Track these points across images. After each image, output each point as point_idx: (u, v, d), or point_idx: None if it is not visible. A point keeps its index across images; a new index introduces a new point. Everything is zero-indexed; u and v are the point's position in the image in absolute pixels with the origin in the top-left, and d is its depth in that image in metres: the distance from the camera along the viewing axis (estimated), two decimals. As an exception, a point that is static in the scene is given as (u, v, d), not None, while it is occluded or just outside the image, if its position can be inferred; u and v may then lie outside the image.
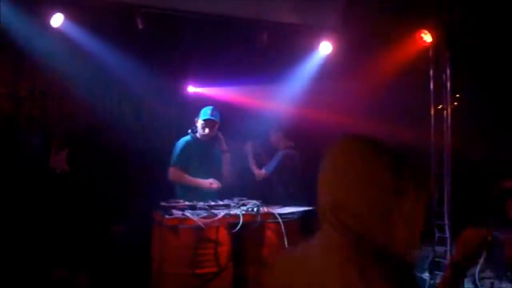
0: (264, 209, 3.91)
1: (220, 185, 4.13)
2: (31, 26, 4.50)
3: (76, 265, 4.30)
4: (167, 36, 5.30)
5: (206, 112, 4.19)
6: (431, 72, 5.21)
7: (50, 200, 4.71)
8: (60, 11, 4.64)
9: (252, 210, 3.84)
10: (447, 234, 4.93)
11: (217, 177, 4.23)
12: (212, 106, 4.27)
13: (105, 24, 4.88)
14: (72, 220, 4.76)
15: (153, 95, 5.46)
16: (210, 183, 4.11)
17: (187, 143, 4.25)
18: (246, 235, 3.86)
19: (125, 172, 5.15)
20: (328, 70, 5.59)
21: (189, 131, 4.33)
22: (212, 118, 4.17)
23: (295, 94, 5.59)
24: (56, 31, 4.69)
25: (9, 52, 4.80)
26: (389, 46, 5.29)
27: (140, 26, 4.86)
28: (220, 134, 4.34)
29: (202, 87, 5.75)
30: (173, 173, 4.18)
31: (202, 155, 4.23)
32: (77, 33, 4.79)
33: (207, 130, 4.19)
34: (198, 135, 4.29)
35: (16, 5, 4.22)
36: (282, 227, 3.79)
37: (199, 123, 4.22)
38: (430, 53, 5.20)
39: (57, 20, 4.65)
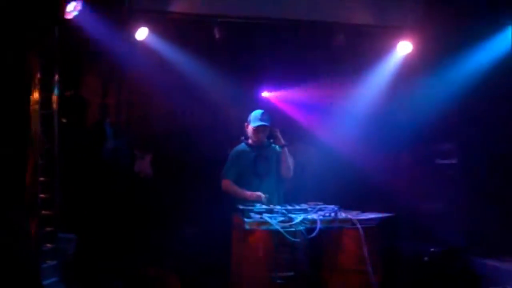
0: (342, 215, 3.83)
1: (266, 197, 4.00)
2: (119, 40, 4.85)
3: (164, 264, 4.52)
4: (243, 43, 5.43)
5: (256, 117, 4.15)
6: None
7: (137, 203, 5.02)
8: (145, 25, 4.94)
9: (330, 215, 3.78)
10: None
11: (276, 179, 4.19)
12: (262, 110, 4.22)
13: (185, 35, 5.13)
14: (155, 222, 5.04)
15: (229, 101, 5.61)
16: (257, 196, 4.01)
17: (240, 152, 4.22)
18: (324, 240, 3.81)
19: (202, 176, 5.32)
20: (408, 70, 5.38)
21: (242, 138, 4.30)
22: (263, 123, 4.11)
23: (374, 95, 5.45)
24: (141, 44, 5.02)
25: (101, 65, 5.23)
26: (475, 44, 4.96)
27: (217, 35, 5.04)
28: (277, 130, 4.25)
29: (277, 91, 5.80)
30: (224, 185, 4.20)
31: (256, 161, 4.16)
32: (160, 45, 5.09)
33: (259, 136, 4.16)
34: (250, 140, 4.26)
35: (104, 21, 4.57)
36: (361, 233, 3.69)
37: (250, 129, 4.19)
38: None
39: (142, 33, 4.96)
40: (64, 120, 4.31)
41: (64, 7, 4.21)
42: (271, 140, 4.24)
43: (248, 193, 4.07)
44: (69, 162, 4.32)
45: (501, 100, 4.90)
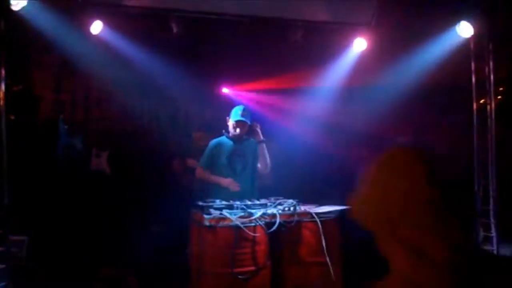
0: (301, 208, 3.88)
1: (238, 187, 4.08)
2: (73, 34, 4.68)
3: (120, 264, 4.42)
4: (201, 39, 5.38)
5: (237, 113, 4.19)
6: (472, 66, 5.01)
7: (92, 201, 4.87)
8: (99, 19, 4.79)
9: (289, 209, 3.82)
10: (493, 233, 4.73)
11: (251, 174, 4.23)
12: (244, 106, 4.27)
13: (141, 30, 5.02)
14: (113, 220, 4.91)
15: (188, 97, 5.54)
16: (230, 182, 4.08)
17: (217, 143, 4.26)
18: (284, 234, 3.84)
19: (161, 173, 5.25)
20: (363, 67, 5.51)
21: (223, 131, 4.36)
22: (242, 119, 4.17)
23: (330, 91, 5.54)
24: (96, 38, 4.86)
25: (53, 59, 5.02)
26: (427, 40, 5.16)
27: (175, 30, 4.96)
28: (257, 125, 4.32)
29: (236, 87, 5.79)
30: (198, 173, 4.29)
31: (233, 154, 4.20)
32: (115, 39, 4.95)
33: (238, 131, 4.19)
34: (230, 134, 4.31)
35: (58, 14, 4.39)
36: (319, 226, 3.75)
37: (230, 123, 4.25)
38: (472, 45, 5.01)
39: (96, 27, 4.81)
40: (12, 117, 4.11)
41: (9, -1, 4.01)
42: (250, 136, 4.27)
43: (222, 179, 4.11)
44: (19, 160, 4.13)
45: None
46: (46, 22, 4.37)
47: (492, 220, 4.78)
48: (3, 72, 3.81)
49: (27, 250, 3.91)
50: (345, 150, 5.60)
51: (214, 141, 4.30)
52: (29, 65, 4.90)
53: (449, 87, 5.69)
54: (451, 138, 5.51)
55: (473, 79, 5.01)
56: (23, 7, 4.06)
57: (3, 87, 3.79)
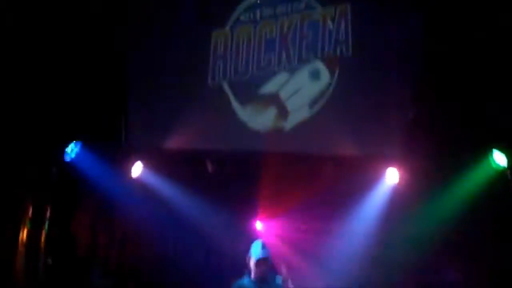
0: None
1: None
2: (114, 177, 4.98)
3: None
4: (234, 176, 5.55)
5: (257, 251, 4.00)
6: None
7: None
8: (140, 161, 5.12)
9: None
10: None
11: None
12: (261, 241, 4.12)
13: (178, 170, 5.28)
14: None
15: (222, 234, 5.53)
16: None
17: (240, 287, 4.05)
18: None
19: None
20: (396, 200, 5.43)
21: (245, 271, 4.14)
22: (264, 256, 3.96)
23: (366, 224, 5.41)
24: (135, 180, 5.14)
25: (92, 201, 5.27)
26: (459, 170, 5.12)
27: (210, 169, 5.20)
28: (285, 272, 4.10)
29: (269, 222, 5.76)
30: None
31: None
32: (153, 180, 5.21)
33: (261, 270, 3.99)
34: (253, 274, 4.07)
35: (101, 160, 4.74)
36: None
37: (251, 262, 4.00)
38: (509, 175, 4.88)
39: (137, 170, 5.12)
40: (50, 260, 4.19)
41: (63, 149, 4.43)
42: (275, 275, 4.06)
43: None
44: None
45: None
46: (92, 168, 4.72)
47: None
48: (48, 215, 4.00)
49: None
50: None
51: (237, 283, 4.03)
52: (71, 209, 5.15)
53: (490, 216, 5.42)
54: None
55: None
56: (73, 157, 4.44)
57: (46, 229, 3.94)
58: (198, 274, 5.40)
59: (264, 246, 4.04)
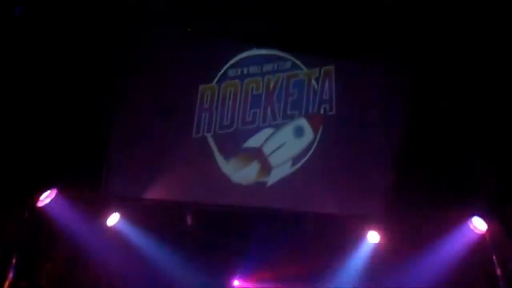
0: None
1: None
2: (88, 226, 4.77)
3: None
4: (215, 230, 5.41)
5: None
6: (494, 258, 4.82)
7: None
8: (117, 211, 4.95)
9: None
10: None
11: None
12: None
13: (156, 221, 5.12)
14: None
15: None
16: None
17: None
18: None
19: None
20: (377, 261, 5.35)
21: None
22: None
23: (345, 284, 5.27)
24: (110, 230, 4.94)
25: (63, 252, 4.99)
26: (440, 235, 5.11)
27: (189, 222, 5.06)
28: None
29: (248, 278, 5.56)
30: None
31: None
32: (129, 231, 5.02)
33: None
34: None
35: (76, 208, 4.56)
36: None
37: None
38: (488, 239, 4.91)
39: (113, 219, 4.94)
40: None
41: (38, 195, 4.26)
42: None
43: None
44: None
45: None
46: (66, 215, 4.53)
47: None
48: (13, 262, 3.76)
49: None
50: None
51: None
52: (39, 257, 4.86)
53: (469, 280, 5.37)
54: None
55: (498, 271, 4.76)
56: (47, 203, 4.26)
57: (10, 277, 3.69)
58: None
59: None
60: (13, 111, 4.56)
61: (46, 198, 4.50)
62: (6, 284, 3.62)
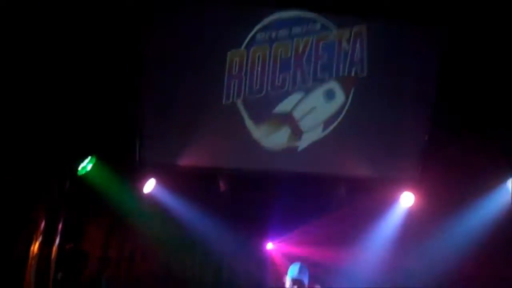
0: None
1: None
2: (126, 193, 4.98)
3: None
4: (247, 196, 5.52)
5: (293, 271, 3.93)
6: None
7: None
8: (153, 178, 5.12)
9: None
10: None
11: None
12: (300, 264, 4.01)
13: (190, 187, 5.27)
14: None
15: (233, 253, 5.47)
16: None
17: None
18: None
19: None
20: (411, 223, 5.34)
21: None
22: (299, 277, 3.88)
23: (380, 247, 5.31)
24: (147, 196, 5.13)
25: (105, 217, 5.26)
26: (475, 196, 5.02)
27: (222, 188, 5.18)
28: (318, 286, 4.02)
29: (281, 243, 5.69)
30: None
31: None
32: (165, 197, 5.20)
33: None
34: None
35: (114, 175, 4.75)
36: None
37: (287, 282, 3.95)
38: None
39: (149, 186, 5.12)
40: (60, 275, 4.16)
41: (77, 164, 4.45)
42: None
43: None
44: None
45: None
46: (105, 183, 4.73)
47: None
48: (60, 228, 3.99)
49: None
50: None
51: None
52: (83, 223, 5.14)
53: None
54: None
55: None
56: (87, 171, 4.45)
57: (57, 243, 3.93)
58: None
59: (301, 269, 3.95)
60: (57, 85, 4.70)
61: (85, 166, 4.69)
62: (54, 248, 3.86)
